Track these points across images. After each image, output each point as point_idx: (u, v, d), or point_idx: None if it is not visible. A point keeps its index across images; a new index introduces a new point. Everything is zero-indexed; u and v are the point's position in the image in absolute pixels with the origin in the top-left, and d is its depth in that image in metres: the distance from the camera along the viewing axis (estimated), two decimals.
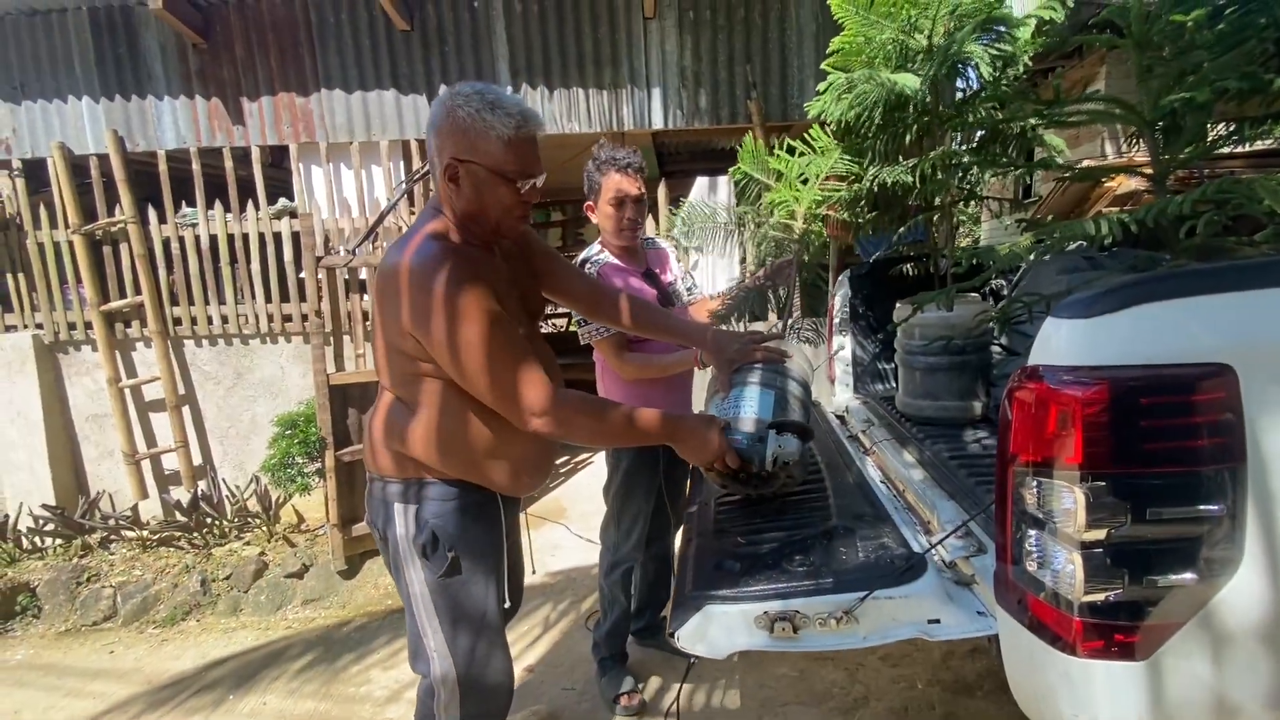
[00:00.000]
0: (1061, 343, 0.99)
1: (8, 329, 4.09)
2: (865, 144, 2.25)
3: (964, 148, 2.26)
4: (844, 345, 2.89)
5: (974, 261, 2.42)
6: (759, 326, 2.11)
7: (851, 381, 2.75)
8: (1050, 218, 3.03)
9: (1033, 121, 1.91)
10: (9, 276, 4.06)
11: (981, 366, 1.91)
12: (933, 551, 1.23)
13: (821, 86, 2.08)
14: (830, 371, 2.83)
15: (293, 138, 3.92)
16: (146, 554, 3.72)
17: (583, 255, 2.02)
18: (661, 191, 4.01)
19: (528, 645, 2.69)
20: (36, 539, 3.79)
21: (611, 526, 2.07)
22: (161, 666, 2.93)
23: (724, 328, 2.15)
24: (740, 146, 2.45)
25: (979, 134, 2.20)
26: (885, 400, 2.26)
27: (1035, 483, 0.99)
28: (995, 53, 1.90)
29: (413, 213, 3.98)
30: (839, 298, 2.91)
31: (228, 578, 3.48)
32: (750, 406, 1.35)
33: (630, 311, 1.53)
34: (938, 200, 2.09)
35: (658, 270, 2.10)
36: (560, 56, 3.82)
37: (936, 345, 1.89)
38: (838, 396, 2.70)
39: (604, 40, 3.80)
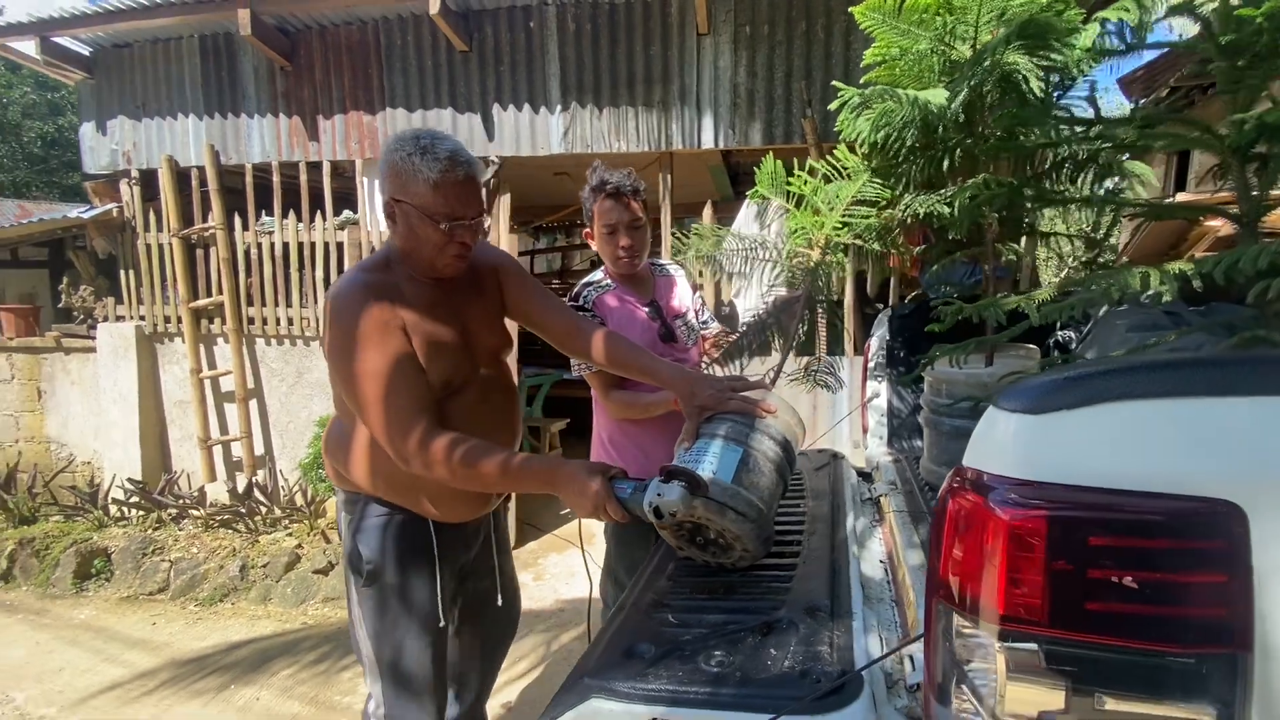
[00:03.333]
0: (999, 442, 0.77)
1: (118, 319, 4.61)
2: (899, 168, 2.02)
3: (1014, 178, 1.96)
4: (879, 393, 2.61)
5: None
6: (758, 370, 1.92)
7: (886, 434, 2.47)
8: (1123, 260, 2.57)
9: (1100, 146, 1.61)
10: (122, 272, 4.58)
11: None
12: (872, 670, 1.01)
13: (833, 105, 1.88)
14: (863, 420, 2.57)
15: (359, 153, 4.14)
16: (205, 534, 4.02)
17: (583, 281, 1.94)
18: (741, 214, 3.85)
19: (513, 679, 2.61)
20: (122, 509, 4.21)
21: (608, 582, 1.94)
22: (189, 645, 3.13)
23: (713, 371, 1.98)
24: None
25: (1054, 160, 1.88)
26: (918, 460, 2.00)
27: (954, 620, 0.77)
28: (1045, 63, 1.62)
29: None
30: (876, 339, 2.64)
31: (264, 566, 3.69)
32: (709, 463, 1.20)
33: (604, 349, 1.44)
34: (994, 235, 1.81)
35: (664, 300, 1.98)
36: (610, 75, 3.78)
37: (962, 406, 1.63)
38: (869, 449, 2.44)
39: (655, 58, 3.72)
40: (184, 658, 3.01)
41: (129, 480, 4.32)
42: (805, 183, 2.06)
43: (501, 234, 3.99)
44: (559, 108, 3.85)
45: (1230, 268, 0.97)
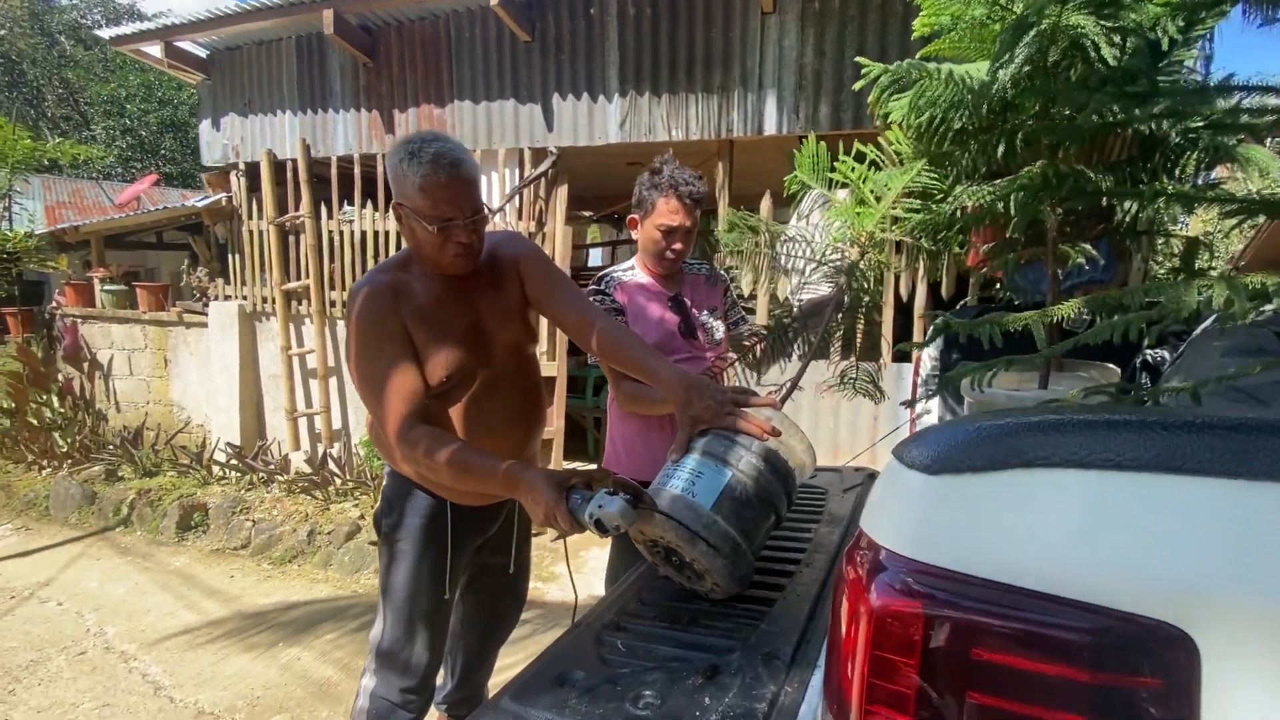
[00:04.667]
0: (890, 505, 0.64)
1: (225, 298, 5.10)
2: (950, 155, 1.78)
3: (1083, 166, 1.66)
4: (930, 409, 2.36)
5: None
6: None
7: None
8: (1235, 270, 2.11)
9: (1197, 124, 1.32)
10: (230, 256, 5.05)
11: None
12: None
13: (858, 84, 1.68)
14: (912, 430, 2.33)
15: None
16: (286, 498, 4.38)
17: (609, 269, 1.92)
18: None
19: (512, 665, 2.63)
20: (224, 470, 4.68)
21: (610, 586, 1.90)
22: (255, 600, 3.42)
23: (733, 372, 1.86)
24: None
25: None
26: None
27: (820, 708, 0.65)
28: (1111, 25, 1.35)
29: (523, 219, 4.13)
30: (930, 350, 2.38)
31: (329, 533, 3.96)
32: (686, 483, 1.11)
33: (607, 341, 1.41)
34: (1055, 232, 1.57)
35: (690, 296, 1.90)
36: (670, 60, 3.65)
37: None
38: None
39: (716, 40, 3.55)
40: (249, 611, 3.29)
41: (229, 444, 4.79)
42: (852, 169, 1.86)
43: (557, 226, 3.99)
44: (617, 95, 3.78)
45: None
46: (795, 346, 2.01)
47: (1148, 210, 1.54)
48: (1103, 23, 1.32)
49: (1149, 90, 1.07)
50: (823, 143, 1.85)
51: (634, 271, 1.86)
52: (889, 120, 1.69)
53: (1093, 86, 1.22)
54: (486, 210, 1.37)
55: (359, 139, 4.52)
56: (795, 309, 2.10)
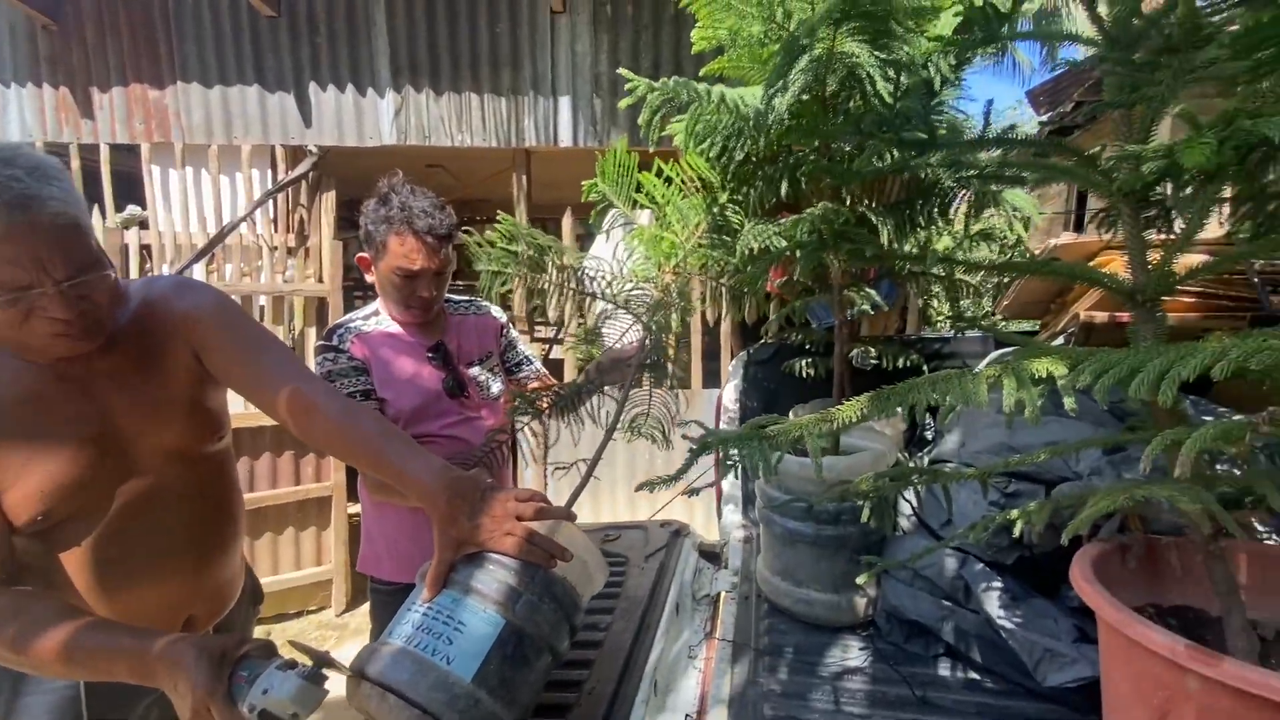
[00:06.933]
0: None
1: None
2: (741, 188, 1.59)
3: (865, 205, 1.57)
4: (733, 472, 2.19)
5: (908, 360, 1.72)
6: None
7: (741, 501, 2.04)
8: (998, 315, 2.25)
9: (970, 173, 1.22)
10: None
11: (868, 545, 1.24)
12: None
13: (624, 102, 1.42)
14: (717, 484, 2.16)
15: (145, 136, 3.39)
16: None
17: (345, 317, 1.48)
18: None
19: None
20: None
21: None
22: None
23: (498, 458, 1.49)
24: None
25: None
26: None
27: None
28: (886, 58, 1.21)
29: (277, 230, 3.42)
30: (730, 389, 2.23)
31: None
32: (431, 638, 0.76)
33: (329, 430, 0.97)
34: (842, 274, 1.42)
35: (457, 343, 1.52)
36: (451, 54, 3.21)
37: (796, 506, 1.23)
38: (724, 518, 2.01)
39: (503, 37, 3.18)
40: None
41: None
42: (662, 188, 1.60)
43: (324, 240, 3.36)
44: (390, 90, 3.25)
45: (1122, 382, 0.56)
46: (588, 408, 1.69)
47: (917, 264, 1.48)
48: (877, 53, 1.18)
49: (927, 137, 0.92)
50: (633, 152, 1.58)
51: (379, 318, 1.47)
52: (674, 144, 1.47)
53: (866, 130, 1.07)
54: (105, 267, 0.89)
55: (41, 122, 3.46)
56: (591, 366, 1.80)
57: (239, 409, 1.08)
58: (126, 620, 0.93)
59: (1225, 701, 0.56)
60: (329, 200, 3.38)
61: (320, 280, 3.34)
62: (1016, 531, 0.80)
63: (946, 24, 1.25)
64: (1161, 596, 0.78)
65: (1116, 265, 1.75)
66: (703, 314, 3.33)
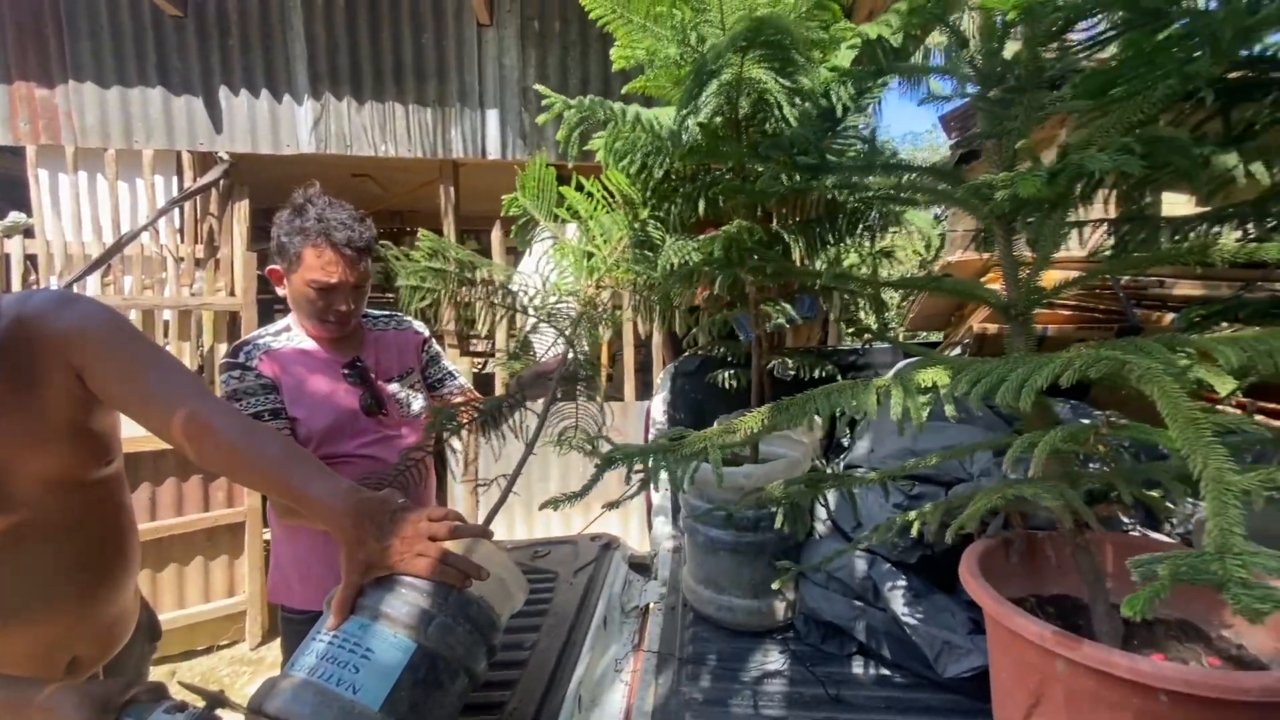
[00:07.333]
0: None
1: None
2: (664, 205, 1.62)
3: (779, 222, 1.63)
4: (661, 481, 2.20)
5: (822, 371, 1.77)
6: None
7: (671, 512, 2.06)
8: (903, 328, 2.40)
9: (868, 195, 1.28)
10: None
11: (785, 550, 1.26)
12: None
13: (542, 118, 1.43)
14: (647, 495, 2.17)
15: (32, 138, 3.13)
16: None
17: (254, 333, 1.41)
18: None
19: None
20: None
21: None
22: None
23: (416, 475, 1.44)
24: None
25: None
26: None
27: None
28: (789, 85, 1.27)
29: (181, 241, 3.21)
30: (658, 401, 2.25)
31: None
32: (336, 668, 0.72)
33: (224, 452, 0.90)
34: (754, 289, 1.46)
35: (375, 358, 1.46)
36: (373, 62, 3.13)
37: (718, 516, 1.24)
38: (654, 529, 2.02)
39: (428, 48, 3.13)
40: None
41: None
42: (586, 204, 1.60)
43: (236, 251, 3.18)
44: (308, 97, 3.13)
45: (992, 390, 0.61)
46: (511, 423, 1.67)
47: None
48: (782, 81, 1.24)
49: (819, 161, 0.97)
50: (551, 168, 1.58)
51: (290, 334, 1.41)
52: (596, 159, 1.49)
53: (763, 153, 1.13)
54: None
55: None
56: (513, 380, 1.78)
57: (139, 431, 1.00)
58: None
59: (1088, 682, 0.61)
60: (242, 209, 3.21)
61: (232, 293, 3.16)
62: (914, 531, 0.86)
63: (845, 56, 1.33)
64: (1042, 587, 0.84)
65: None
66: (635, 327, 3.37)
